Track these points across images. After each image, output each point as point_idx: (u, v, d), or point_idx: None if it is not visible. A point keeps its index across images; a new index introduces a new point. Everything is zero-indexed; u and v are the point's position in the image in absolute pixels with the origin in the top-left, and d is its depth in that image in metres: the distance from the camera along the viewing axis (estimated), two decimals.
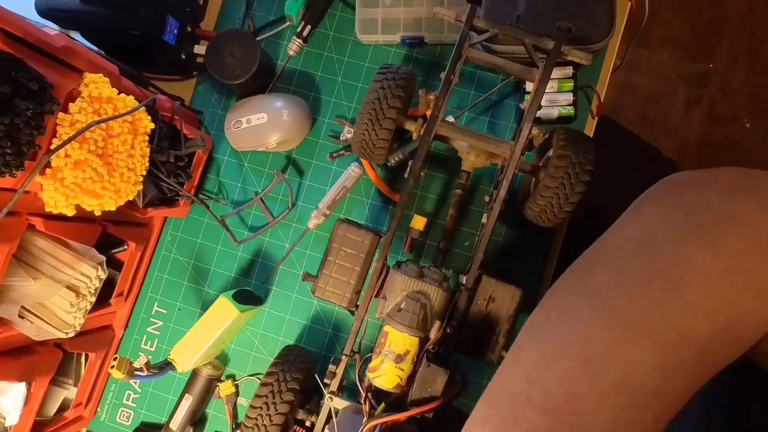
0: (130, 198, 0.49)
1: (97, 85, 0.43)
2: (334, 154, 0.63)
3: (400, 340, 0.44)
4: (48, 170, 0.41)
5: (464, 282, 0.47)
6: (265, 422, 0.48)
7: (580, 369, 0.26)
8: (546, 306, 0.30)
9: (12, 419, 0.48)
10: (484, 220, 0.51)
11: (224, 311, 0.55)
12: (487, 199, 0.52)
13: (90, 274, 0.48)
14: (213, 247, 0.64)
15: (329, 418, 0.48)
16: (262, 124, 0.60)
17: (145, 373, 0.51)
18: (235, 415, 0.61)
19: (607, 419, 0.26)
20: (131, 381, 0.55)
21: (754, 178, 0.29)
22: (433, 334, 0.44)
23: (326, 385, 0.48)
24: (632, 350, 0.26)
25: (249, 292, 0.61)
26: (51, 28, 0.43)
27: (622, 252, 0.29)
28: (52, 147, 0.39)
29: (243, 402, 0.61)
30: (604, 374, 0.26)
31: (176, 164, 0.57)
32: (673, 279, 0.26)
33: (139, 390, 0.63)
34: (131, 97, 0.46)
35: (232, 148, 0.64)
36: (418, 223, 0.56)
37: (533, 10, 0.55)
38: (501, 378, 0.30)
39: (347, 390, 0.55)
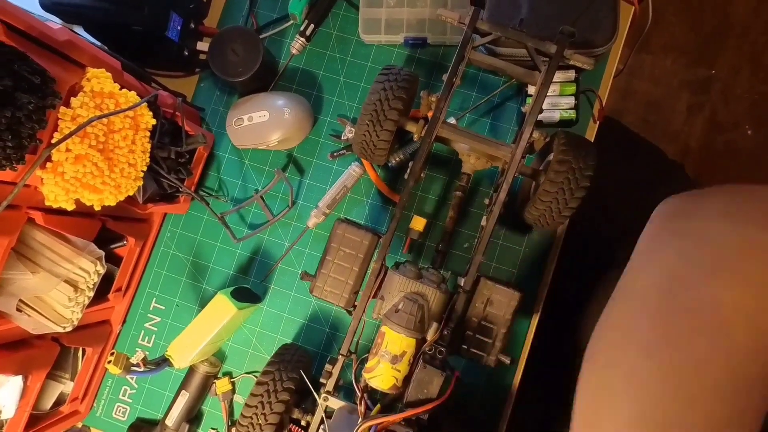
0: (130, 193, 0.49)
1: (99, 80, 0.43)
2: (335, 154, 0.63)
3: (396, 341, 0.44)
4: (48, 164, 0.41)
5: (462, 284, 0.47)
6: (260, 421, 0.48)
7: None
8: (600, 364, 0.31)
9: (8, 412, 0.48)
10: (483, 222, 0.51)
11: (222, 308, 0.55)
12: (486, 201, 0.52)
13: (89, 268, 0.48)
14: (212, 244, 0.64)
15: (324, 418, 0.48)
16: (263, 122, 0.60)
17: (142, 369, 0.51)
18: (231, 413, 0.61)
19: None
20: (128, 376, 0.55)
21: (741, 199, 0.30)
22: (430, 335, 0.44)
23: (321, 386, 0.48)
24: (692, 409, 0.26)
25: (247, 289, 0.61)
26: (54, 22, 0.43)
27: (654, 301, 0.29)
28: (53, 141, 0.39)
29: (239, 399, 0.62)
30: None
31: (177, 160, 0.57)
32: (714, 325, 0.27)
33: (136, 386, 0.63)
34: (133, 93, 0.46)
35: (233, 146, 0.64)
36: (418, 224, 0.56)
37: (536, 13, 0.55)
38: None
39: (343, 390, 0.55)
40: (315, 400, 0.49)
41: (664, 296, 0.29)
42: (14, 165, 0.37)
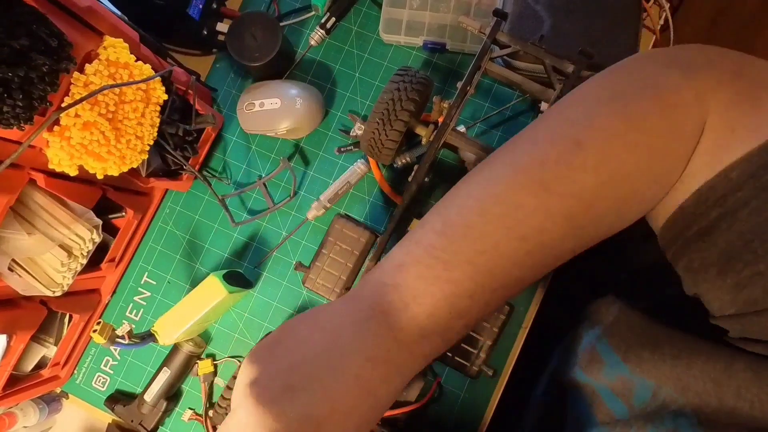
0: (134, 166, 0.49)
1: (115, 50, 0.43)
2: (342, 149, 0.63)
3: None
4: (56, 127, 0.41)
5: None
6: None
7: (477, 205, 0.31)
8: (472, 172, 0.34)
9: None
10: None
11: (213, 290, 0.55)
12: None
13: (84, 236, 0.48)
14: (210, 225, 0.64)
15: None
16: (274, 110, 0.60)
17: (127, 342, 0.51)
18: (210, 395, 0.61)
19: (490, 243, 0.29)
20: (112, 347, 0.56)
21: (690, 54, 0.32)
22: None
23: None
24: (522, 194, 0.29)
25: (240, 274, 0.61)
26: None
27: (550, 114, 0.33)
28: (63, 105, 0.39)
29: (220, 382, 0.61)
30: (493, 209, 0.30)
31: (184, 138, 0.57)
32: (574, 138, 0.30)
33: (119, 357, 0.63)
34: (148, 66, 0.46)
35: (241, 130, 0.64)
36: None
37: (557, 31, 0.55)
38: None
39: None
40: None
41: (555, 112, 0.33)
42: (22, 124, 0.37)
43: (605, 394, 0.37)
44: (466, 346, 0.47)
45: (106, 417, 0.63)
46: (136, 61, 0.45)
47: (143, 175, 0.53)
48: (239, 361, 0.61)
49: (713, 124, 0.30)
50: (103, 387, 0.63)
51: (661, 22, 0.61)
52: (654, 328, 0.35)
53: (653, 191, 0.31)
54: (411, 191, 0.49)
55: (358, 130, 0.61)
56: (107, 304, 0.64)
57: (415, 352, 0.30)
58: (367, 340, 0.29)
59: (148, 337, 0.54)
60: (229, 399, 0.49)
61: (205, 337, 0.62)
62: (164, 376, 0.59)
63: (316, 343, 0.29)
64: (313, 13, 0.64)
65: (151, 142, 0.50)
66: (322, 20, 0.63)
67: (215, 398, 0.61)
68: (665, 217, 0.32)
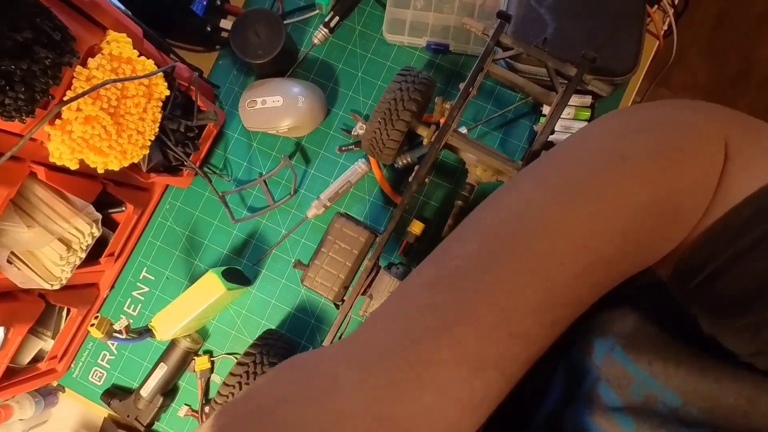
0: (135, 161, 0.49)
1: (119, 44, 0.43)
2: (344, 148, 0.63)
3: None
4: (58, 121, 0.41)
5: None
6: None
7: (525, 209, 0.28)
8: (507, 184, 0.32)
9: None
10: None
11: (211, 286, 0.55)
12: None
13: (84, 230, 0.48)
14: (209, 222, 0.64)
15: None
16: (276, 107, 0.60)
17: (124, 336, 0.51)
18: (206, 391, 0.61)
19: (548, 250, 0.27)
20: (109, 342, 0.55)
21: (694, 103, 0.32)
22: None
23: None
24: (578, 205, 0.27)
25: (238, 271, 0.61)
26: None
27: (571, 145, 0.31)
28: (65, 98, 0.39)
29: (216, 379, 0.62)
30: (548, 214, 0.27)
31: (186, 134, 0.57)
32: (618, 155, 0.28)
33: (116, 352, 0.63)
34: (151, 61, 0.46)
35: (243, 127, 0.64)
36: (416, 228, 0.56)
37: (561, 35, 0.55)
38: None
39: None
40: None
41: (568, 157, 0.31)
42: (23, 117, 0.37)
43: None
44: None
45: (102, 411, 0.63)
46: (139, 56, 0.45)
47: (144, 171, 0.53)
48: (236, 358, 0.61)
49: (728, 160, 0.30)
50: (99, 381, 0.63)
51: (665, 27, 0.61)
52: (674, 341, 0.34)
53: (695, 213, 0.30)
54: (411, 191, 0.49)
55: (359, 129, 0.61)
56: (105, 298, 0.64)
57: (462, 396, 0.26)
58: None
59: (146, 332, 0.54)
60: (226, 395, 0.49)
61: (202, 334, 0.62)
62: (161, 371, 0.60)
63: (309, 400, 0.26)
64: (317, 11, 0.64)
65: (153, 138, 0.50)
66: (326, 19, 0.63)
67: (212, 394, 0.61)
68: (674, 257, 0.32)
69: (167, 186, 0.65)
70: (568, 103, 0.49)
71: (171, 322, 0.55)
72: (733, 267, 0.29)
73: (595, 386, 0.36)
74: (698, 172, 0.29)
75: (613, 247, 0.28)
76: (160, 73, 0.47)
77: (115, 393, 0.62)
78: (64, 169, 0.44)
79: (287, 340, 0.55)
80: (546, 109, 0.59)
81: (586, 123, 0.59)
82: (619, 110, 0.34)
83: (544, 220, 0.28)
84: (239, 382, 0.48)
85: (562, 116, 0.53)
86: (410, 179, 0.50)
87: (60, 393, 0.64)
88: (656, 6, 0.59)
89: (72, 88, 0.40)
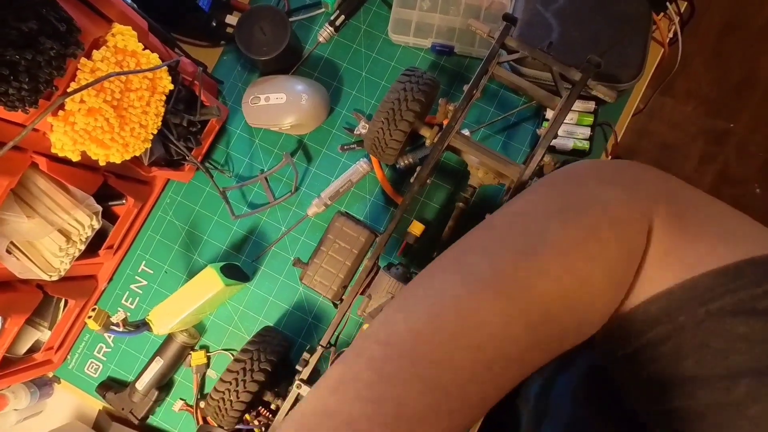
0: (137, 154, 0.49)
1: (123, 37, 0.43)
2: (346, 147, 0.63)
3: None
4: (61, 112, 0.41)
5: None
6: (231, 398, 0.48)
7: (426, 313, 0.27)
8: (419, 276, 0.31)
9: None
10: None
11: (210, 282, 0.55)
12: (487, 216, 0.52)
13: (84, 221, 0.48)
14: (209, 217, 0.64)
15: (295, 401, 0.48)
16: (279, 104, 0.60)
17: (121, 329, 0.51)
18: (201, 386, 0.61)
19: (441, 353, 0.26)
20: (106, 334, 0.55)
21: (631, 172, 0.32)
22: None
23: (296, 373, 0.48)
24: (479, 302, 0.27)
25: (237, 267, 0.61)
26: None
27: (499, 225, 0.32)
28: (69, 90, 0.39)
29: (212, 374, 0.61)
30: (447, 318, 0.27)
31: (188, 129, 0.57)
32: (530, 248, 0.28)
33: (112, 345, 0.63)
34: (155, 55, 0.46)
35: (246, 123, 0.64)
36: (416, 229, 0.56)
37: (566, 39, 0.55)
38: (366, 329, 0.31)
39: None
40: (288, 386, 0.49)
41: (507, 221, 0.32)
42: (27, 108, 0.37)
43: None
44: None
45: (96, 404, 0.63)
46: (143, 49, 0.45)
47: (145, 164, 0.53)
48: (232, 354, 0.61)
49: (650, 246, 0.30)
50: (95, 373, 0.63)
51: (670, 35, 0.61)
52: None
53: (612, 298, 0.30)
54: (412, 192, 0.49)
55: (362, 128, 0.61)
56: (103, 291, 0.64)
57: None
58: None
59: (143, 325, 0.54)
60: (222, 391, 0.49)
61: (199, 329, 0.62)
62: (157, 365, 0.59)
63: None
64: (323, 9, 0.64)
65: (155, 131, 0.50)
66: (332, 17, 0.63)
67: (207, 390, 0.61)
68: (601, 328, 0.32)
69: (168, 180, 0.65)
70: (572, 108, 0.49)
71: (168, 316, 0.55)
72: (642, 355, 0.29)
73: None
74: (615, 262, 0.29)
75: (516, 346, 0.27)
76: (165, 67, 0.47)
77: (110, 385, 0.62)
78: (65, 161, 0.44)
79: (284, 338, 0.55)
80: (549, 114, 0.59)
81: (588, 128, 0.58)
82: (551, 179, 0.33)
83: (446, 322, 0.27)
84: (235, 379, 0.48)
85: (565, 121, 0.53)
86: (412, 180, 0.50)
87: (55, 384, 0.64)
88: (662, 14, 0.59)
89: (76, 79, 0.40)
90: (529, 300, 0.27)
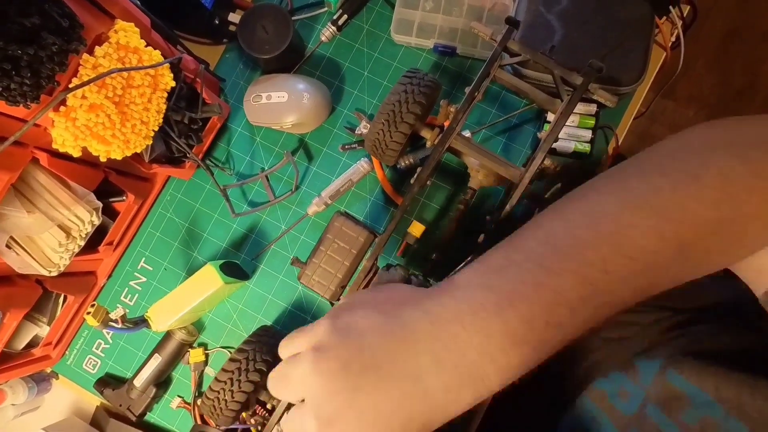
0: (138, 150, 0.49)
1: (126, 34, 0.43)
2: (346, 146, 0.63)
3: None
4: (62, 108, 0.41)
5: None
6: (226, 396, 0.48)
7: (585, 220, 0.30)
8: (568, 198, 0.33)
9: None
10: (480, 239, 0.51)
11: (209, 279, 0.55)
12: (487, 218, 0.52)
13: (84, 217, 0.48)
14: (210, 215, 0.64)
15: (290, 405, 0.48)
16: (281, 103, 0.60)
17: (120, 326, 0.51)
18: (199, 384, 0.61)
19: (598, 257, 0.28)
20: (104, 330, 0.55)
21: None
22: None
23: None
24: (636, 216, 0.29)
25: (237, 265, 0.61)
26: None
27: (657, 153, 0.33)
28: (71, 86, 0.39)
29: (210, 372, 0.62)
30: (603, 225, 0.29)
31: (189, 126, 0.57)
32: (691, 173, 0.29)
33: (111, 341, 0.63)
34: (158, 52, 0.46)
35: (247, 121, 0.64)
36: (416, 229, 0.56)
37: (568, 43, 0.55)
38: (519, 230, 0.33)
39: None
40: None
41: (665, 153, 0.33)
42: (28, 103, 0.37)
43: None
44: None
45: (94, 400, 0.63)
46: (146, 46, 0.45)
47: (146, 161, 0.53)
48: (230, 352, 0.61)
49: None
50: (93, 369, 0.63)
51: (673, 39, 0.61)
52: (747, 367, 0.33)
53: (764, 237, 0.31)
54: (412, 193, 0.49)
55: (363, 128, 0.61)
56: (103, 287, 0.64)
57: (500, 361, 0.27)
58: (441, 341, 0.28)
59: (142, 322, 0.54)
60: (218, 391, 0.49)
61: (198, 326, 0.62)
62: (155, 362, 0.60)
63: (386, 333, 0.29)
64: (325, 9, 0.64)
65: (156, 128, 0.50)
66: (334, 17, 0.63)
67: (204, 387, 0.61)
68: None
69: (169, 177, 0.65)
70: (573, 111, 0.49)
71: (167, 314, 0.55)
72: None
73: (643, 408, 0.35)
74: None
75: (664, 259, 0.29)
76: (167, 64, 0.47)
77: (108, 382, 0.62)
78: (66, 156, 0.44)
79: (281, 337, 0.55)
80: (550, 117, 0.59)
81: (590, 131, 0.58)
82: (706, 124, 0.34)
83: (602, 230, 0.29)
84: (231, 379, 0.48)
85: (566, 124, 0.53)
86: (412, 181, 0.50)
87: (53, 379, 0.64)
88: (665, 18, 0.59)
89: (78, 75, 0.40)
90: (684, 220, 0.28)
